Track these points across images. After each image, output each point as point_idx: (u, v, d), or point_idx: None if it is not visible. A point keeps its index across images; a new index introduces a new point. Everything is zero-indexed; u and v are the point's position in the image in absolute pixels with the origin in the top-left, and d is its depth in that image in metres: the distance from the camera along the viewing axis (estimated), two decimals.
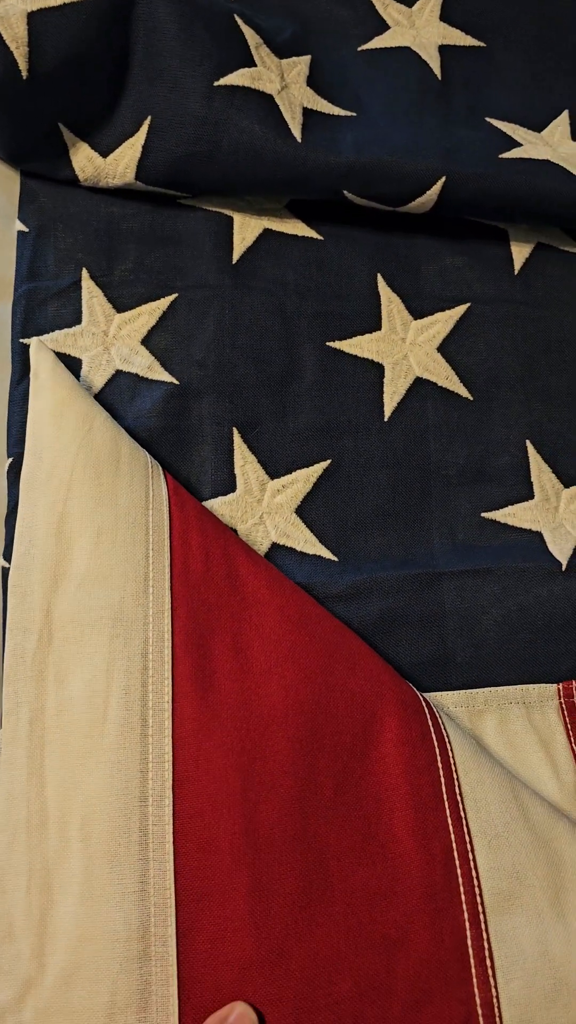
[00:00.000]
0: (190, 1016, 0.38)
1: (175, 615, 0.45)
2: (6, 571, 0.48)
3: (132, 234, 0.58)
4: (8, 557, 0.48)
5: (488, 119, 0.62)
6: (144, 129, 0.55)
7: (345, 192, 0.56)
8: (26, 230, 0.57)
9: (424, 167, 0.56)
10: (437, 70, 0.64)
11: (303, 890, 0.40)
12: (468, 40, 0.66)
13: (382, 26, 0.65)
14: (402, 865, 0.41)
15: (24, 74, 0.52)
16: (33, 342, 0.52)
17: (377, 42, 0.65)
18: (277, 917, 0.39)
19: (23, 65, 0.52)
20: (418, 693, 0.46)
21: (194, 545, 0.47)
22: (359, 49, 0.64)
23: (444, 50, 0.65)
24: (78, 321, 0.55)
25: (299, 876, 0.40)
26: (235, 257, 0.58)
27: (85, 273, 0.56)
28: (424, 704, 0.45)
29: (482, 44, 0.66)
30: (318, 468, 0.54)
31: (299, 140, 0.55)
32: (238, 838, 0.40)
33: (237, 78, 0.55)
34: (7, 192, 0.58)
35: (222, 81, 0.55)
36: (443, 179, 0.56)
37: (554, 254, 0.62)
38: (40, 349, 0.51)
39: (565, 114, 0.64)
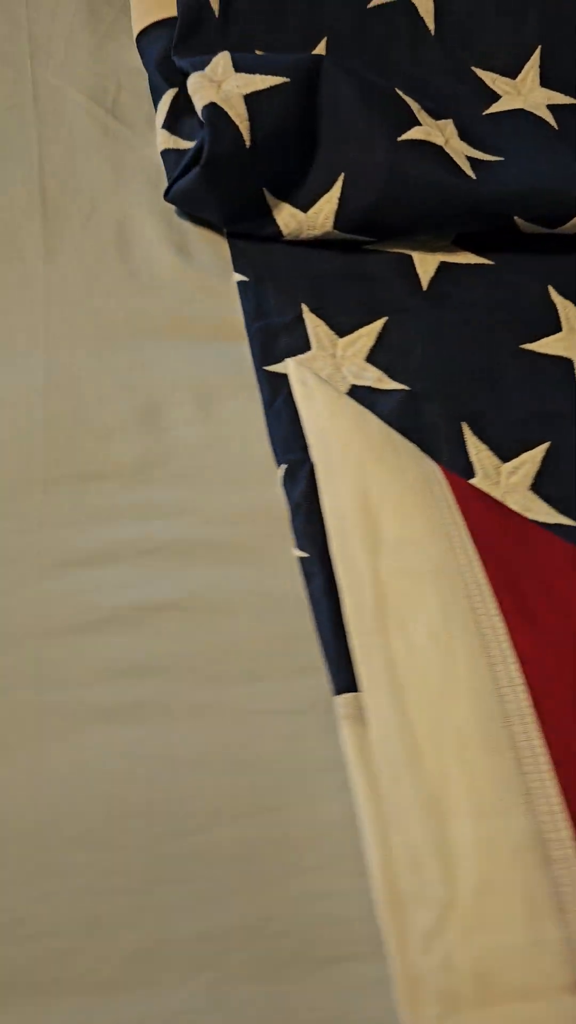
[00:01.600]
0: None
1: (484, 565, 0.50)
2: (302, 559, 0.53)
3: (332, 275, 0.66)
4: (301, 547, 0.53)
5: None
6: (339, 184, 0.64)
7: (516, 218, 0.65)
8: (246, 279, 0.64)
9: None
10: (552, 122, 0.74)
11: None
12: (567, 99, 0.77)
13: (495, 96, 0.76)
14: None
15: (247, 144, 0.61)
16: (290, 362, 0.58)
17: (496, 107, 0.75)
18: None
19: (247, 136, 0.61)
20: None
21: (477, 509, 0.52)
22: (483, 114, 0.75)
23: (552, 108, 0.76)
24: (308, 347, 0.62)
25: None
26: (424, 285, 0.66)
27: (305, 308, 0.63)
28: None
29: None
30: (541, 449, 0.60)
31: (473, 177, 0.64)
32: None
33: (414, 133, 0.65)
34: (218, 252, 0.66)
35: (404, 136, 0.64)
36: None
37: None
38: (299, 365, 0.58)
39: None
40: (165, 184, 0.68)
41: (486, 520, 0.52)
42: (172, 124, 0.68)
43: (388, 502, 0.51)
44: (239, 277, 0.64)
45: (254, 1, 0.74)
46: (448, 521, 0.51)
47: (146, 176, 0.69)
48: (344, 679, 0.48)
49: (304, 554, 0.53)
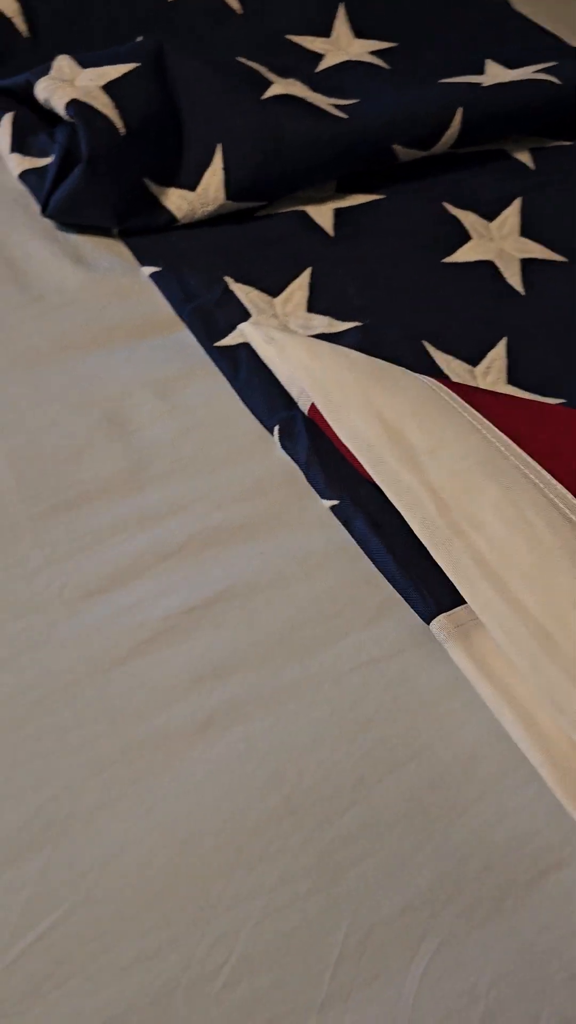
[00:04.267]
0: None
1: (519, 442, 0.48)
2: (333, 508, 0.50)
3: (239, 244, 0.64)
4: (328, 497, 0.50)
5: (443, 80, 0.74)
6: (219, 154, 0.62)
7: (395, 146, 0.65)
8: (158, 269, 0.61)
9: (444, 102, 0.66)
10: (383, 64, 0.76)
11: None
12: (386, 44, 0.79)
13: (318, 55, 0.77)
14: None
15: (122, 131, 0.58)
16: (245, 326, 0.55)
17: (324, 64, 0.76)
18: None
19: (120, 124, 0.58)
20: None
21: (486, 401, 0.51)
22: (316, 71, 0.75)
23: (376, 53, 0.78)
24: (248, 315, 0.59)
25: None
26: (331, 232, 0.65)
27: (230, 280, 0.61)
28: None
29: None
30: (502, 345, 0.60)
31: (344, 116, 0.64)
32: None
33: (275, 89, 0.64)
34: (117, 253, 0.63)
35: (266, 94, 0.63)
36: (460, 109, 0.67)
37: (546, 150, 0.74)
38: (256, 325, 0.55)
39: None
40: (34, 206, 0.64)
41: (498, 408, 0.51)
42: (20, 146, 0.64)
43: (407, 418, 0.49)
44: (150, 269, 0.61)
45: (57, 12, 0.72)
46: (468, 418, 0.49)
47: (11, 201, 0.65)
48: (429, 603, 0.45)
49: (333, 502, 0.50)
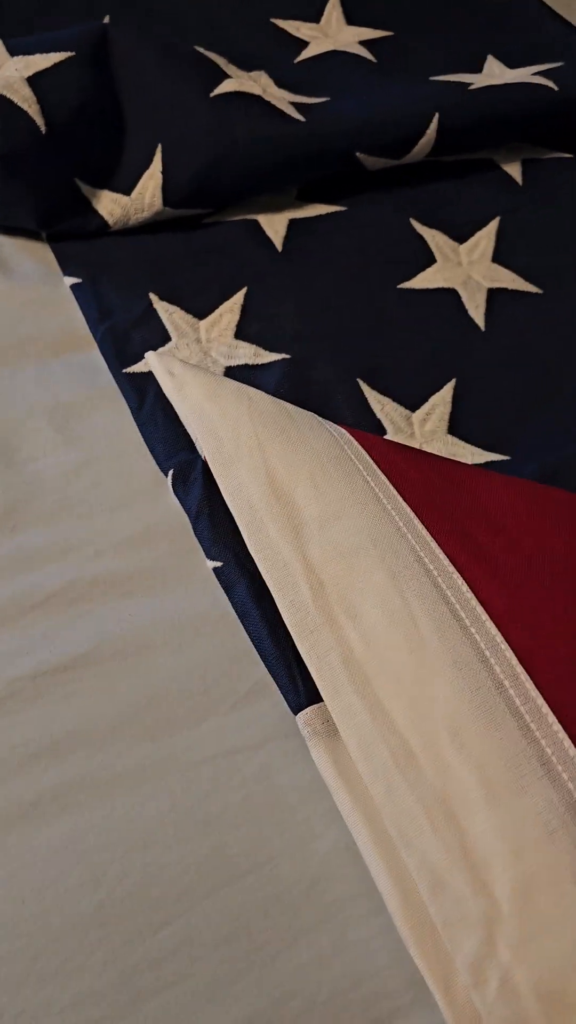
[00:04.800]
0: None
1: (423, 519, 0.43)
2: (216, 570, 0.45)
3: (176, 257, 0.58)
4: (212, 556, 0.45)
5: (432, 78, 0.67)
6: (158, 156, 0.57)
7: (359, 154, 0.59)
8: (78, 281, 0.56)
9: (419, 108, 0.59)
10: (370, 56, 0.69)
11: None
12: (379, 32, 0.72)
13: (303, 43, 0.71)
14: None
15: (43, 129, 0.53)
16: (150, 355, 0.51)
17: (307, 53, 0.70)
18: None
19: (40, 122, 0.53)
20: None
21: (397, 461, 0.46)
22: (295, 62, 0.69)
23: (365, 43, 0.71)
24: (167, 339, 0.54)
25: None
26: (279, 246, 0.59)
27: (154, 297, 0.56)
28: None
29: None
30: (448, 388, 0.54)
31: (302, 119, 0.58)
32: None
33: (227, 86, 0.58)
34: (40, 259, 0.58)
35: (217, 91, 0.57)
36: (437, 115, 0.60)
37: (539, 163, 0.66)
38: (160, 356, 0.50)
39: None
40: None
41: (412, 473, 0.45)
42: None
43: (300, 478, 0.43)
44: (71, 280, 0.56)
45: None
46: (371, 484, 0.44)
47: None
48: (301, 693, 0.41)
49: (217, 563, 0.45)
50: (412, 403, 0.53)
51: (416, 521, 0.43)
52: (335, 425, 0.48)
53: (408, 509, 0.43)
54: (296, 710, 0.41)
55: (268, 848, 0.39)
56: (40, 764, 0.40)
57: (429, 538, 0.42)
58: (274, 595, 0.41)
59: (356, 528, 0.42)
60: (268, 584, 0.41)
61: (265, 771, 0.41)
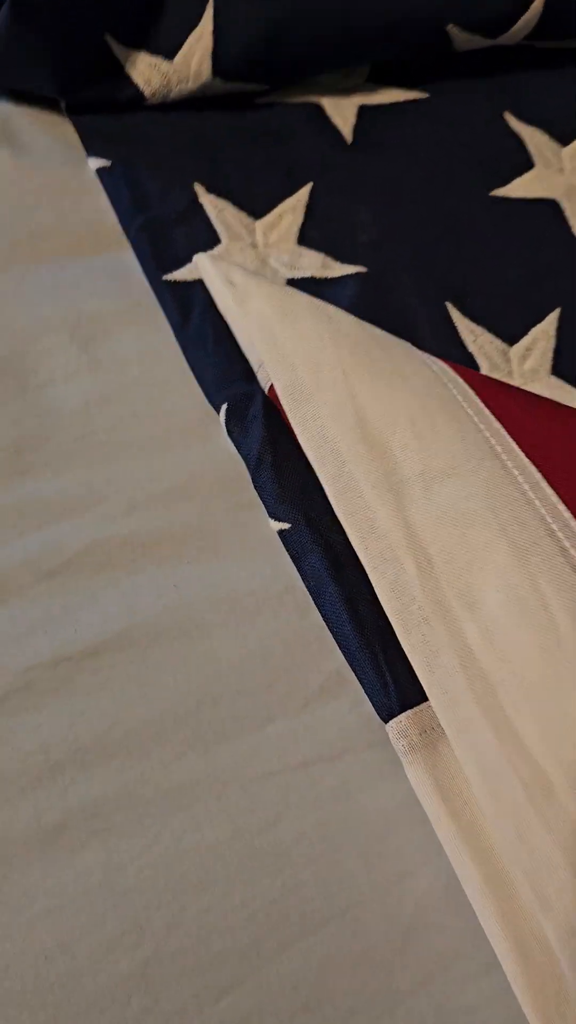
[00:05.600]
0: None
1: (545, 474, 0.34)
2: (282, 533, 0.36)
3: (226, 140, 0.48)
4: (277, 516, 0.36)
5: None
6: (209, 14, 0.46)
7: (450, 27, 0.48)
8: (107, 163, 0.46)
9: None
10: None
11: None
12: None
13: None
14: None
15: None
16: (200, 257, 0.41)
17: None
18: None
19: None
20: None
21: (511, 407, 0.37)
22: None
23: None
24: (217, 240, 0.44)
25: None
26: (348, 136, 0.49)
27: (200, 188, 0.45)
28: None
29: None
30: (552, 319, 0.45)
31: None
32: None
33: None
34: (60, 136, 0.47)
35: None
36: None
37: None
38: (215, 260, 0.40)
39: None
40: None
41: (529, 422, 0.36)
42: None
43: (398, 423, 0.34)
44: (97, 163, 0.46)
45: None
46: (486, 433, 0.35)
47: None
48: (391, 694, 0.32)
49: (284, 525, 0.36)
50: (510, 335, 0.44)
51: (544, 484, 0.34)
52: (433, 357, 0.38)
53: (533, 468, 0.34)
54: (386, 716, 0.32)
55: (351, 889, 0.31)
56: (63, 777, 0.32)
57: (562, 507, 0.33)
58: (370, 573, 0.32)
59: (470, 490, 0.33)
60: (361, 558, 0.32)
61: (345, 788, 0.33)
